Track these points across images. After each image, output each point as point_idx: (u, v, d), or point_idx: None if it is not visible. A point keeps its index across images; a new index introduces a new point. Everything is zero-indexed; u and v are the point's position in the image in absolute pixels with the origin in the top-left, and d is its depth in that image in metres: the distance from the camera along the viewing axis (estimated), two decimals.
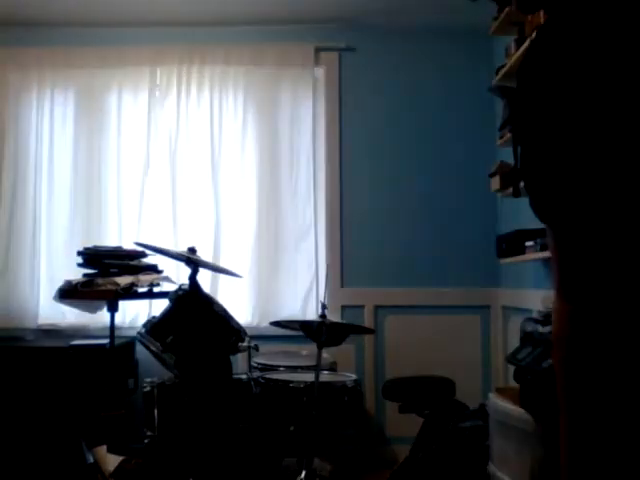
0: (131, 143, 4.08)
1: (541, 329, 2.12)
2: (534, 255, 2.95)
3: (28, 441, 3.29)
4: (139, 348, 3.43)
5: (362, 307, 3.96)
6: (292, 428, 2.70)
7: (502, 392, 2.70)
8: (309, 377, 2.74)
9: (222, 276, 3.81)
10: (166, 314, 2.90)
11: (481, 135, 4.05)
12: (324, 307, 2.69)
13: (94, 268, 3.53)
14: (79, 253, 3.59)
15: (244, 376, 2.97)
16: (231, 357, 2.96)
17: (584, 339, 0.99)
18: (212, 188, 4.04)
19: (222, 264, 3.71)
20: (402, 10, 3.94)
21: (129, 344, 3.67)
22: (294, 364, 3.18)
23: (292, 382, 2.77)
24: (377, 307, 3.98)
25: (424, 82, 4.17)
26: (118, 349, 3.45)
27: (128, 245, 3.65)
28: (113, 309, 3.36)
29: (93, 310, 3.59)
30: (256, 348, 3.00)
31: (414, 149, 4.12)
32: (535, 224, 3.29)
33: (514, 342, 3.05)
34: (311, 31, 4.14)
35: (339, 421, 2.81)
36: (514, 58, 2.99)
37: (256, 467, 2.82)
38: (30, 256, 3.97)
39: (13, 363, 3.48)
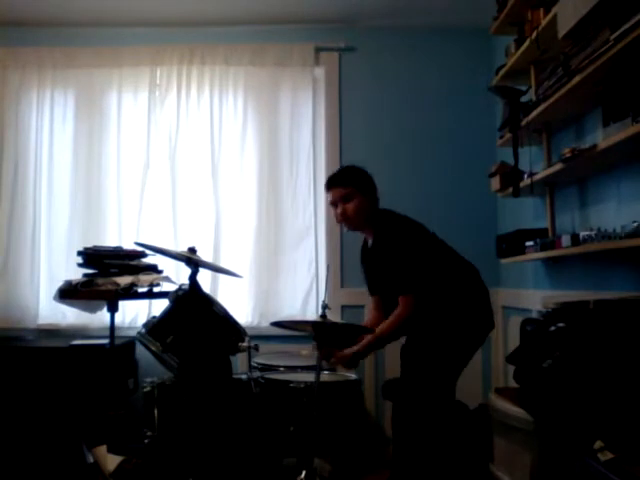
0: (131, 143, 4.09)
1: (541, 329, 2.12)
2: (534, 255, 2.94)
3: (28, 441, 3.29)
4: (139, 348, 3.43)
5: (362, 307, 3.96)
6: (292, 428, 2.69)
7: (502, 392, 2.70)
8: (309, 377, 2.74)
9: (222, 276, 3.81)
10: (166, 314, 2.90)
11: (481, 135, 4.05)
12: (326, 307, 2.67)
13: (94, 268, 3.53)
14: (79, 253, 3.59)
15: (244, 376, 2.96)
16: (231, 357, 2.95)
17: None
18: (212, 188, 4.04)
19: (222, 264, 3.71)
20: (402, 10, 3.95)
21: (129, 344, 3.68)
22: (294, 364, 3.17)
23: (292, 382, 2.76)
24: None
25: (424, 82, 4.18)
26: (118, 349, 3.45)
27: (128, 245, 3.64)
28: (113, 309, 3.36)
29: (93, 310, 3.59)
30: (256, 348, 2.99)
31: (414, 149, 4.12)
32: (535, 224, 3.30)
33: (514, 342, 3.05)
34: (311, 31, 4.14)
35: (339, 421, 2.80)
36: (514, 58, 2.99)
37: (256, 467, 2.81)
38: (30, 256, 3.97)
39: (13, 363, 3.48)
